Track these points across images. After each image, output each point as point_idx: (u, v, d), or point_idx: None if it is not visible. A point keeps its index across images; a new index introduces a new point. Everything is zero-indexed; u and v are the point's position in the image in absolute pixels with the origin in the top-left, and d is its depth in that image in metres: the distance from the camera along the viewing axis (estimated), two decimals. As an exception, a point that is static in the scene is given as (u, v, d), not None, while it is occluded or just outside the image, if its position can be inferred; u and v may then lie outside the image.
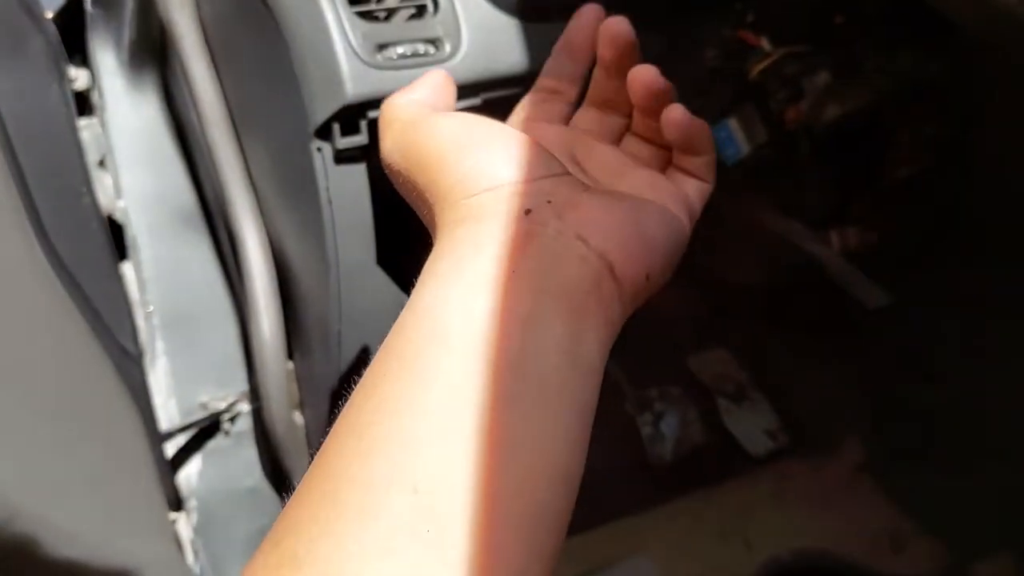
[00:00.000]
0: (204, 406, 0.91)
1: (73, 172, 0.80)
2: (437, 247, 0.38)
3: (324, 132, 0.69)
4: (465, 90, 0.73)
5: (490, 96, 0.75)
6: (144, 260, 0.93)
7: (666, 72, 0.96)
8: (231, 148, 0.82)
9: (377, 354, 0.36)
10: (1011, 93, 1.03)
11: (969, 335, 1.17)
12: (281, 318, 0.85)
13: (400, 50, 0.68)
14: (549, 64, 0.53)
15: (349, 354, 0.80)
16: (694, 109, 0.96)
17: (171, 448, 0.91)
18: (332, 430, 0.35)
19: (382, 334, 0.90)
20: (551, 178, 0.39)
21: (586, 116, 0.51)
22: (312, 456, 0.90)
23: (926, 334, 1.23)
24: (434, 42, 0.70)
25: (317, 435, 0.89)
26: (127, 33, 0.92)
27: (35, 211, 0.72)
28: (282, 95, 0.72)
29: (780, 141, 0.90)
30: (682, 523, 1.34)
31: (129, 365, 0.81)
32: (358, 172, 0.72)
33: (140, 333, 0.91)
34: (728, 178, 1.11)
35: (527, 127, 0.50)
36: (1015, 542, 1.14)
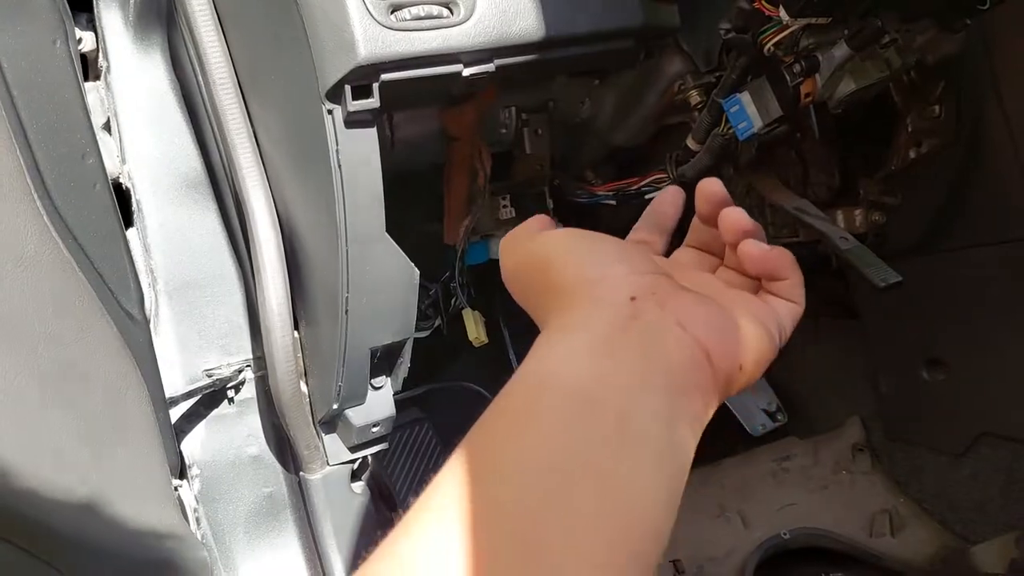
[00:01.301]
0: (209, 373, 0.90)
1: (78, 132, 0.79)
2: (547, 329, 0.42)
3: (335, 95, 0.68)
4: (478, 55, 0.72)
5: (504, 62, 0.74)
6: (149, 226, 0.91)
7: (679, 44, 0.93)
8: (238, 112, 0.81)
9: (489, 406, 0.39)
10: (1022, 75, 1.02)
11: (973, 319, 1.17)
12: (287, 286, 0.84)
13: (414, 11, 0.67)
14: (638, 223, 0.57)
15: (356, 323, 0.79)
16: (705, 84, 0.93)
17: (175, 415, 0.90)
18: (449, 460, 0.37)
19: (391, 303, 0.88)
20: (654, 275, 0.43)
21: (684, 253, 0.55)
22: (315, 424, 0.88)
23: (929, 317, 1.23)
24: (448, 5, 0.69)
25: (322, 404, 0.88)
26: (133, -7, 0.91)
27: (38, 170, 0.71)
28: (292, 56, 0.71)
29: (793, 116, 0.89)
30: (681, 501, 1.34)
31: (134, 329, 0.80)
32: (369, 136, 0.71)
33: (145, 299, 0.90)
34: (739, 153, 1.10)
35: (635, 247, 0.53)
36: (1013, 525, 1.14)
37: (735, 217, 0.49)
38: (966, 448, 1.22)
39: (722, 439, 1.49)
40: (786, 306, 0.48)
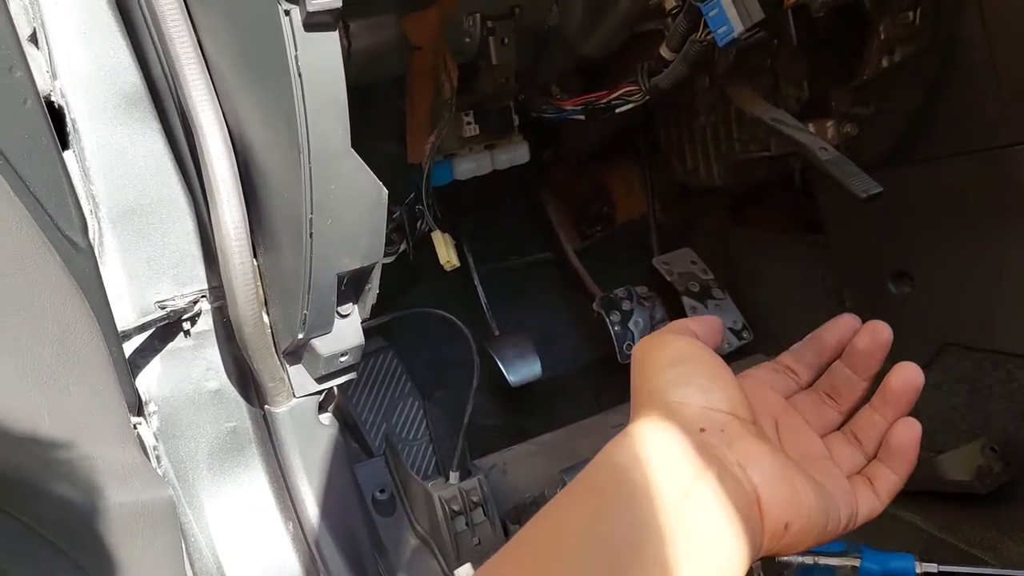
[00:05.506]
0: (161, 305, 0.85)
1: (1, 43, 0.71)
2: (631, 427, 0.47)
3: (293, -8, 0.61)
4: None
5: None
6: (87, 147, 0.84)
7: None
8: (180, 17, 0.74)
9: (561, 492, 0.45)
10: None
11: (940, 231, 1.16)
12: (244, 209, 0.78)
13: None
14: (795, 347, 0.60)
15: (322, 246, 0.74)
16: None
17: (128, 350, 0.85)
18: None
19: (358, 224, 0.83)
20: (730, 416, 0.48)
21: (806, 399, 0.58)
22: (279, 355, 0.83)
23: (897, 230, 1.22)
24: None
25: (285, 334, 0.83)
26: None
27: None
28: (242, -50, 0.64)
29: (774, 20, 0.85)
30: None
31: (79, 259, 0.74)
32: (331, 41, 0.65)
33: (88, 226, 0.83)
34: (716, 62, 1.05)
35: (751, 384, 0.56)
36: (977, 433, 1.16)
37: (911, 371, 0.54)
38: (931, 359, 1.23)
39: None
40: (869, 505, 0.51)
